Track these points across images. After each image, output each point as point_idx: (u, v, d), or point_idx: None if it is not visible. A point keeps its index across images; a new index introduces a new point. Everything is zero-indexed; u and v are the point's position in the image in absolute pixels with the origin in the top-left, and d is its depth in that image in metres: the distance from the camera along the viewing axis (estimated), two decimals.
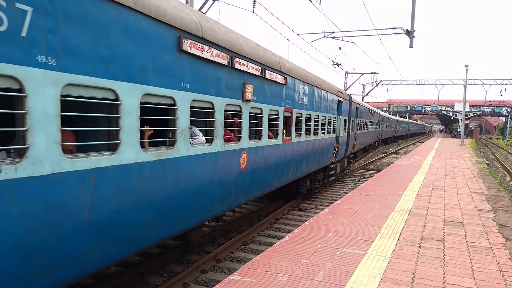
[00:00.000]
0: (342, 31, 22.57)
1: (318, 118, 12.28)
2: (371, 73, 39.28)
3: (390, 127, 47.34)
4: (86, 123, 4.04)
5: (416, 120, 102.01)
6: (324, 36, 22.99)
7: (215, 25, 6.24)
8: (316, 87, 11.97)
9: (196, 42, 5.43)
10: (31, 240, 3.33)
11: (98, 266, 4.19)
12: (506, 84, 59.09)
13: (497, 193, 11.68)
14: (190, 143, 5.50)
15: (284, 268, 5.29)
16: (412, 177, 14.55)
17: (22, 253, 3.28)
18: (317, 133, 12.39)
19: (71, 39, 3.59)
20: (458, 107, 52.52)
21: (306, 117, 10.97)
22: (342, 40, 23.58)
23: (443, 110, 61.61)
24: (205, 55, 5.68)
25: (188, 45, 5.24)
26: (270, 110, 8.44)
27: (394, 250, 6.12)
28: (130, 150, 4.35)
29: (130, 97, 4.30)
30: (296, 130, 10.35)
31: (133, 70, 4.34)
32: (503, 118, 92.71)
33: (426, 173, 15.87)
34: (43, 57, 3.32)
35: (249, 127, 7.46)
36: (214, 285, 4.82)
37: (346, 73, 39.64)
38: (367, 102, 40.31)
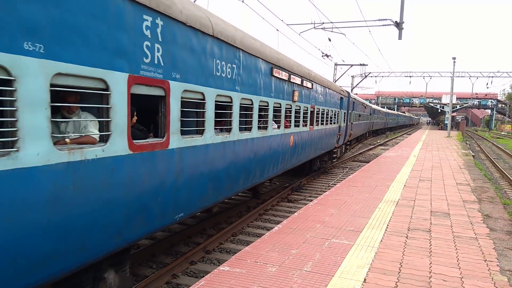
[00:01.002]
0: (331, 22, 22.55)
1: (328, 112, 15.77)
2: (360, 64, 39.36)
3: (381, 119, 50.35)
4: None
5: (404, 112, 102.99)
6: (314, 27, 22.96)
7: (284, 56, 10.22)
8: (327, 88, 15.41)
9: (277, 69, 9.20)
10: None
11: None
12: (492, 76, 59.94)
13: (482, 184, 11.89)
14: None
15: (273, 258, 5.32)
16: (399, 168, 14.72)
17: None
18: (328, 123, 15.84)
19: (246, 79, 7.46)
20: (445, 99, 53.07)
21: (321, 111, 14.53)
22: (332, 31, 23.59)
23: (430, 103, 62.14)
24: (280, 76, 9.41)
25: (275, 72, 9.04)
26: (304, 107, 12.08)
27: (381, 241, 6.20)
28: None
29: (255, 103, 8.04)
30: (316, 121, 13.80)
31: (257, 89, 8.10)
32: (489, 111, 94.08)
33: (413, 164, 16.07)
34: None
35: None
36: (204, 276, 4.82)
37: (336, 64, 39.67)
38: (356, 94, 40.46)
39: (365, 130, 35.89)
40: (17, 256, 3.20)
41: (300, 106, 11.47)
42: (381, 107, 64.94)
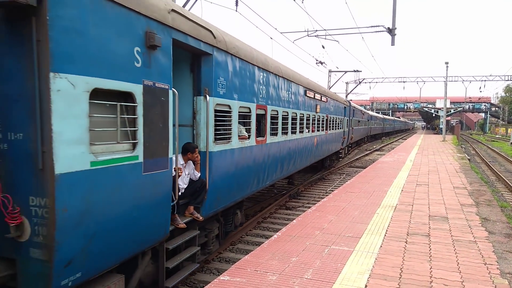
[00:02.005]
0: (325, 30, 22.73)
1: (336, 119, 19.60)
2: (354, 71, 39.60)
3: (378, 125, 53.95)
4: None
5: (399, 117, 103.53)
6: (308, 35, 23.13)
7: (311, 81, 14.24)
8: (335, 100, 19.65)
9: (308, 91, 13.02)
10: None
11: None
12: (485, 80, 60.54)
13: (479, 187, 11.93)
14: (300, 132, 12.27)
15: (273, 267, 5.29)
16: (396, 173, 14.75)
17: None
18: (336, 129, 19.77)
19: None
20: (439, 104, 53.43)
21: (332, 119, 18.37)
22: (325, 39, 23.76)
23: (424, 107, 62.53)
24: (309, 95, 13.17)
25: (307, 93, 12.88)
26: (323, 116, 15.93)
27: (381, 246, 6.19)
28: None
29: (298, 114, 11.79)
30: (328, 127, 17.31)
31: (299, 105, 11.97)
32: (483, 114, 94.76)
33: (410, 169, 16.11)
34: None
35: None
36: (204, 287, 4.78)
37: (330, 71, 39.89)
38: (351, 100, 40.67)
39: (364, 134, 39.37)
40: (234, 191, 7.56)
41: (320, 116, 15.43)
42: (375, 112, 65.29)
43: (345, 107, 22.63)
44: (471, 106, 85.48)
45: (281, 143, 10.22)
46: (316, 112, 14.52)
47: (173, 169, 5.27)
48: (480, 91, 63.50)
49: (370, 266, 5.34)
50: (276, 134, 9.78)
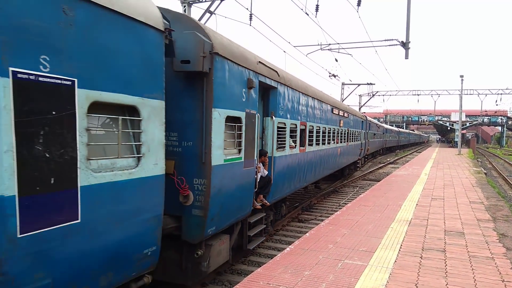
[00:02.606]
0: (338, 43, 22.80)
1: (355, 132, 21.58)
2: (367, 84, 39.53)
3: (394, 137, 55.51)
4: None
5: (413, 130, 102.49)
6: (321, 48, 23.20)
7: (337, 100, 17.23)
8: (354, 115, 21.51)
9: (334, 108, 15.31)
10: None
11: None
12: (501, 94, 59.71)
13: (496, 202, 11.70)
14: (328, 143, 14.41)
15: (286, 280, 5.26)
16: (411, 187, 14.57)
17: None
18: (355, 141, 21.81)
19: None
20: (454, 117, 52.82)
21: (352, 132, 20.33)
22: (339, 52, 23.81)
23: (439, 120, 61.89)
24: (335, 112, 15.28)
25: (333, 110, 15.06)
26: (344, 129, 17.92)
27: (395, 261, 6.11)
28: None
29: (327, 128, 14.24)
30: (349, 139, 19.36)
31: (328, 121, 14.25)
32: (499, 128, 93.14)
33: (424, 183, 15.90)
34: None
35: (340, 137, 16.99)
36: None
37: (343, 84, 39.88)
38: (364, 112, 40.52)
39: (380, 147, 40.98)
40: (286, 186, 9.83)
41: (342, 129, 17.40)
42: (389, 125, 64.85)
43: (362, 121, 24.81)
44: (487, 120, 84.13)
45: (315, 152, 12.51)
46: (340, 126, 16.68)
47: (255, 167, 7.56)
48: (496, 105, 62.59)
49: (384, 281, 5.27)
50: (312, 145, 11.98)
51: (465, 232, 8.03)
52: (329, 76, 30.04)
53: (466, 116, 61.58)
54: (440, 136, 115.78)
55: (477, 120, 71.21)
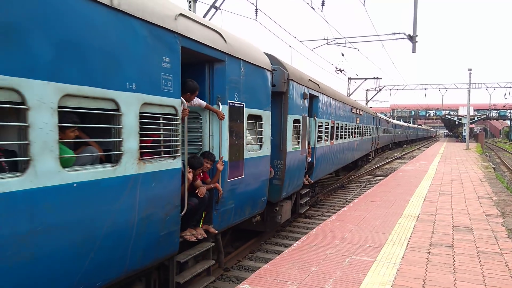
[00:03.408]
0: (344, 38, 22.66)
1: (367, 128, 24.13)
2: (374, 78, 39.27)
3: (403, 132, 57.69)
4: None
5: (420, 125, 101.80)
6: (327, 43, 23.09)
7: (354, 101, 22.26)
8: (367, 112, 24.25)
9: (352, 108, 18.32)
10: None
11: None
12: (510, 87, 58.90)
13: (505, 197, 11.60)
14: (347, 137, 17.28)
15: (293, 276, 5.27)
16: (418, 182, 14.50)
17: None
18: (367, 135, 24.50)
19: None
20: (462, 111, 52.41)
21: (365, 127, 22.87)
22: (345, 46, 23.69)
23: (447, 115, 61.41)
24: (353, 111, 18.23)
25: (352, 109, 18.06)
26: (359, 125, 20.46)
27: (403, 257, 6.09)
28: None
29: (349, 125, 17.38)
30: (363, 134, 22.15)
31: (349, 119, 17.24)
32: (508, 122, 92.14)
33: (432, 178, 15.80)
34: None
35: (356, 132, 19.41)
36: None
37: (349, 79, 39.66)
38: (371, 107, 40.37)
39: (389, 141, 43.87)
40: (321, 170, 12.81)
41: (358, 126, 20.23)
42: (396, 120, 64.43)
43: (373, 118, 27.63)
44: (495, 113, 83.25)
45: (339, 144, 15.26)
46: (356, 123, 19.32)
47: (306, 155, 10.53)
48: (505, 98, 61.79)
49: (392, 277, 5.26)
50: (337, 138, 14.74)
51: (474, 228, 7.98)
52: (336, 70, 29.91)
53: (474, 110, 61.04)
54: (447, 131, 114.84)
55: (485, 114, 70.49)
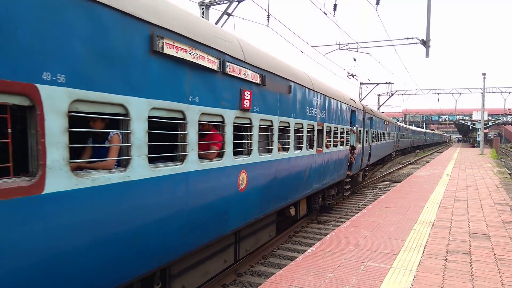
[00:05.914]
0: (356, 43, 22.56)
1: (392, 134, 29.96)
2: (386, 83, 39.01)
3: (420, 137, 64.80)
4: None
5: (433, 130, 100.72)
6: (339, 48, 23.01)
7: (383, 114, 31.67)
8: (391, 122, 29.69)
9: (386, 121, 27.39)
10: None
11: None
12: None
13: None
14: (381, 140, 25.67)
15: (308, 282, 5.23)
16: (433, 188, 14.31)
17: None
18: (391, 139, 30.77)
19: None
20: (476, 116, 51.64)
21: (391, 134, 29.18)
22: (357, 52, 23.57)
23: (460, 120, 60.57)
24: (385, 123, 27.06)
25: (385, 123, 26.99)
26: (387, 132, 27.97)
27: (419, 264, 6.00)
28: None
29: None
30: (389, 138, 29.09)
31: (380, 127, 24.08)
32: None
33: (447, 184, 15.58)
34: None
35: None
36: None
37: (361, 83, 39.44)
38: (383, 112, 40.19)
39: (408, 145, 49.10)
40: (357, 165, 16.76)
41: (386, 132, 26.12)
42: (409, 125, 63.81)
43: (395, 126, 33.63)
44: (510, 118, 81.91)
45: (373, 146, 20.70)
46: (386, 131, 25.81)
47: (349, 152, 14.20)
48: None
49: (408, 284, 5.19)
50: (372, 142, 19.98)
51: (491, 234, 7.83)
52: (348, 75, 29.80)
53: (488, 115, 60.02)
54: (461, 136, 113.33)
55: (500, 119, 69.25)
